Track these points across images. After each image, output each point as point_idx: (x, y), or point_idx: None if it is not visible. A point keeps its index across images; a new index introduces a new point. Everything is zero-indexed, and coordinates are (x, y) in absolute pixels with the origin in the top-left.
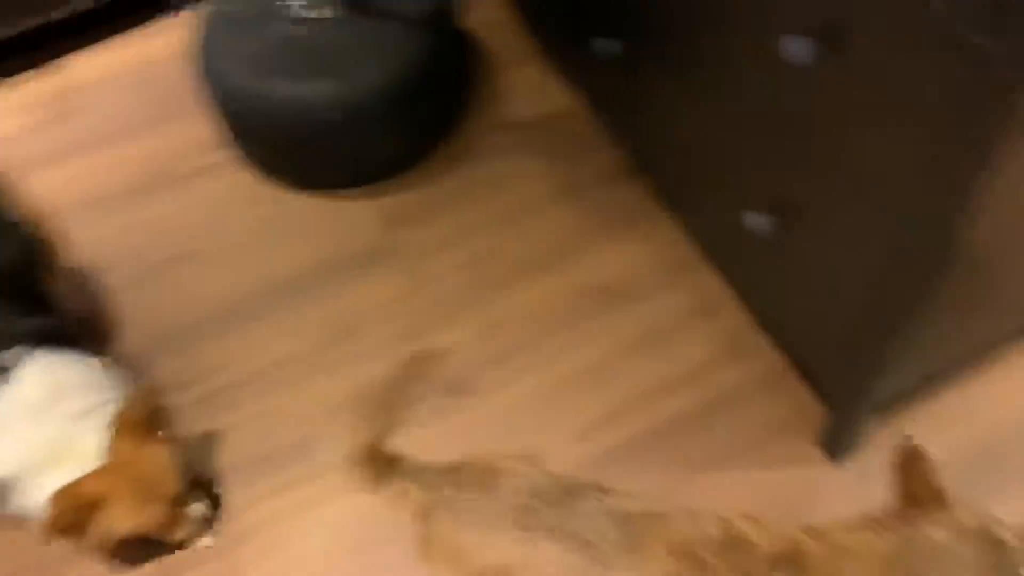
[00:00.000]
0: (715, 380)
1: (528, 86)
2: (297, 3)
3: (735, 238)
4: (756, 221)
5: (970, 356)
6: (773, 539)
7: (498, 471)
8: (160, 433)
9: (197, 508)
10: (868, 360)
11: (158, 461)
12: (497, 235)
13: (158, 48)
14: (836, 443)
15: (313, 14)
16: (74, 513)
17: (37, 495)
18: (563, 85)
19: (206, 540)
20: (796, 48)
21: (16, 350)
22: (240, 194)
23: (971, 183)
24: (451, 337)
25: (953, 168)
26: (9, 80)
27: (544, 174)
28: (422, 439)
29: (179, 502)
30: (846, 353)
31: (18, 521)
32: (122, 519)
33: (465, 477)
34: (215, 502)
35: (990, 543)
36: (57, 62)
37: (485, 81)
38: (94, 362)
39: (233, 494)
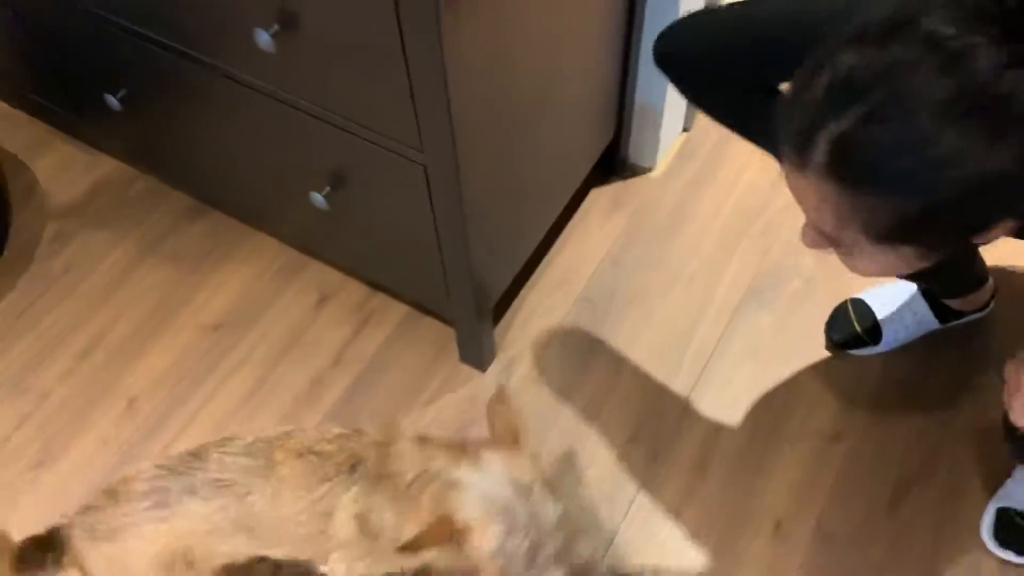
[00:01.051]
0: (360, 353)
1: (64, 167)
2: None
3: (315, 224)
4: (320, 198)
5: (534, 237)
6: (380, 429)
7: (121, 481)
8: None
9: None
10: (458, 274)
11: None
12: (96, 320)
13: None
14: (475, 354)
15: None
16: None
17: None
18: (97, 153)
19: None
20: (264, 37)
21: None
22: None
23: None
24: (91, 438)
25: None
26: None
27: (119, 242)
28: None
29: None
30: (440, 277)
31: None
32: None
33: (94, 500)
34: None
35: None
36: None
37: (16, 180)
38: None
39: None
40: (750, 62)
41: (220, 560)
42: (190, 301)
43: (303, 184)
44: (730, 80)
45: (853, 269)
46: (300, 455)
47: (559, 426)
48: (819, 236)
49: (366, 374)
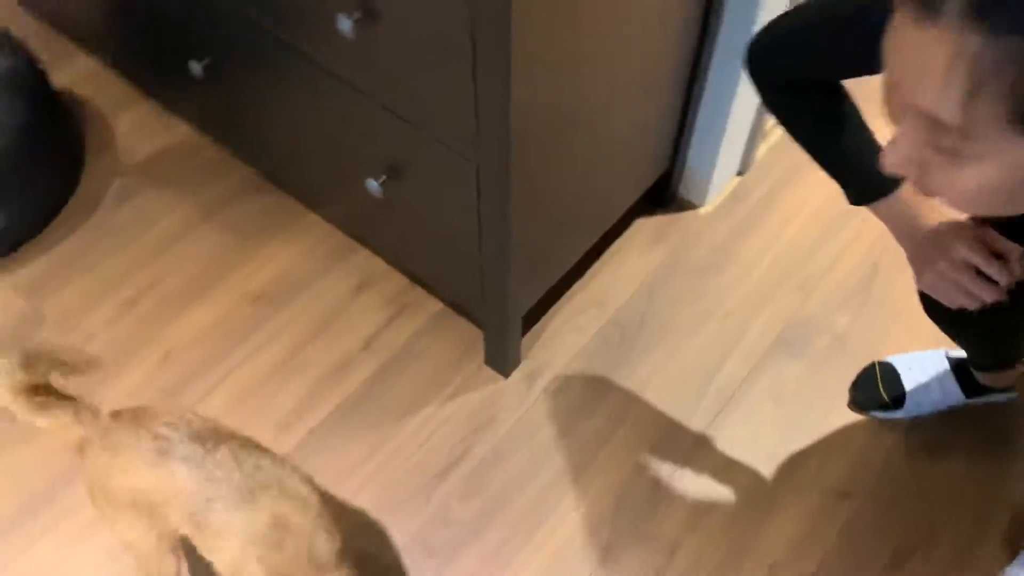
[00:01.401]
0: (389, 341)
1: (141, 128)
2: None
3: (366, 211)
4: (375, 185)
5: (572, 255)
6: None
7: (151, 411)
8: None
9: None
10: (494, 277)
11: None
12: (147, 274)
13: None
14: (499, 359)
15: None
16: None
17: None
18: (174, 119)
19: None
20: (346, 24)
21: None
22: None
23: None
24: (124, 384)
25: (474, 92)
26: None
27: (179, 205)
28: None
29: None
30: (477, 278)
31: None
32: None
33: (125, 412)
34: None
35: None
36: None
37: (95, 133)
38: None
39: None
40: (833, 44)
41: (177, 531)
42: (237, 269)
43: (361, 170)
44: (811, 70)
45: (949, 189)
46: (275, 524)
47: (572, 441)
48: (917, 140)
49: (393, 362)
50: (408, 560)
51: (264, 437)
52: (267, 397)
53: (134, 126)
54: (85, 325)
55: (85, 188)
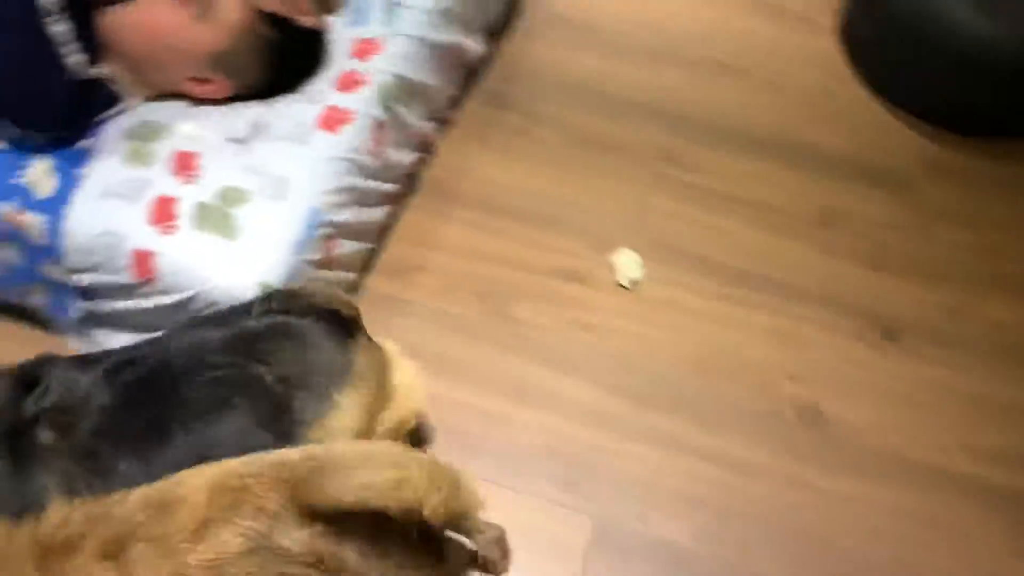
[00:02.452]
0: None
1: None
2: None
3: None
4: None
5: None
6: None
7: None
8: None
9: None
10: None
11: None
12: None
13: None
14: None
15: None
16: None
17: None
18: None
19: None
20: None
21: None
22: (823, 64)
23: None
24: (909, 294)
25: None
26: None
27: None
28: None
29: None
30: None
31: None
32: None
33: None
34: None
35: None
36: None
37: None
38: None
39: None
40: None
41: None
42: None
43: None
44: None
45: None
46: None
47: None
48: None
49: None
50: None
51: (921, 435)
52: (967, 416)
53: None
54: (931, 230)
55: None
